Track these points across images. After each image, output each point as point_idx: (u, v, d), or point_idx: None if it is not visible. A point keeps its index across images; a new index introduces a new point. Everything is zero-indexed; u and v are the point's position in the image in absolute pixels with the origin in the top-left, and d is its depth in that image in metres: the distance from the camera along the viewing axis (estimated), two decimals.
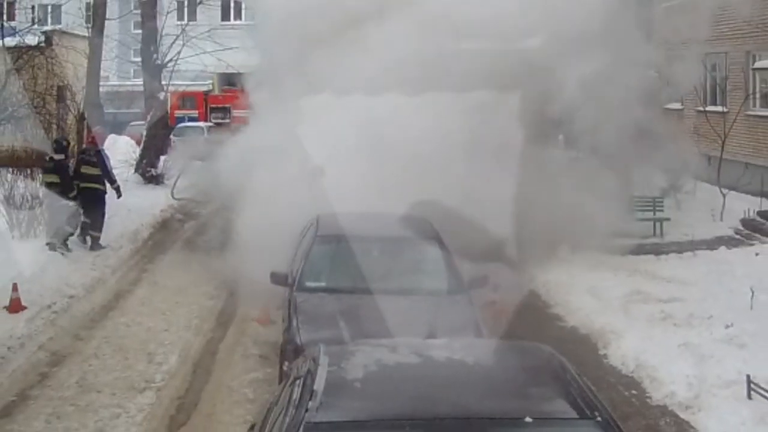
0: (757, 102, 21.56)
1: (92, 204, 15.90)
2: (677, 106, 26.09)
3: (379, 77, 14.16)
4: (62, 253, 14.86)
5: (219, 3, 36.81)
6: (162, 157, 24.80)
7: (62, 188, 15.48)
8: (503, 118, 15.75)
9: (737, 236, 17.49)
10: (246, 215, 13.39)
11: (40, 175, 16.10)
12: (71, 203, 15.48)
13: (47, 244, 14.90)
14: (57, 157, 15.80)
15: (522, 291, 13.31)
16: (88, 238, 15.86)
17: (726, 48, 22.81)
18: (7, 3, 26.37)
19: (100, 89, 23.80)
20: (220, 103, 36.29)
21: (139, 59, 35.28)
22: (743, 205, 18.90)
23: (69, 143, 16.38)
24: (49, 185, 15.66)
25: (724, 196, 19.08)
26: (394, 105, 14.40)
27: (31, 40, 22.01)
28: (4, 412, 8.83)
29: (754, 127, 21.34)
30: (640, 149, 23.54)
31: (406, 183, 12.90)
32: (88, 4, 27.57)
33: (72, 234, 15.66)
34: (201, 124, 33.94)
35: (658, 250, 16.17)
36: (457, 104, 14.94)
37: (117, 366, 10.23)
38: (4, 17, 23.60)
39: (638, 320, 11.33)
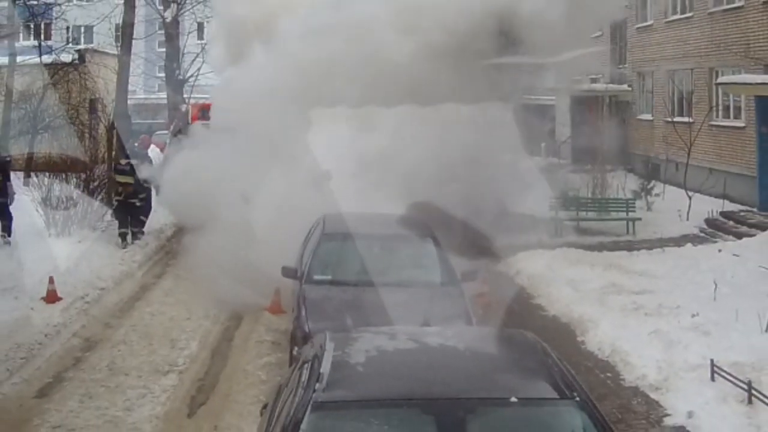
0: (720, 113, 21.60)
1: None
2: (648, 117, 26.14)
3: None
4: (125, 246, 15.50)
5: None
6: None
7: (135, 188, 16.10)
8: (489, 129, 15.79)
9: (702, 234, 17.52)
10: (258, 217, 13.37)
11: (114, 175, 16.78)
12: (139, 203, 16.18)
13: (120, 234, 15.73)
14: (133, 162, 16.47)
15: (508, 284, 13.33)
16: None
17: (691, 65, 22.86)
18: (45, 24, 26.37)
19: (128, 102, 23.74)
20: None
21: (163, 75, 35.37)
22: (707, 207, 18.93)
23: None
24: (124, 185, 16.16)
25: (690, 198, 19.11)
26: (395, 117, 14.43)
27: (66, 57, 22.08)
28: (41, 392, 8.82)
29: (716, 136, 21.37)
30: (614, 156, 23.58)
31: (403, 188, 12.93)
32: (117, 25, 27.51)
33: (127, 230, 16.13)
34: None
35: (630, 247, 16.18)
36: (449, 117, 14.97)
37: (143, 351, 10.23)
38: (42, 37, 23.61)
39: (613, 310, 11.32)
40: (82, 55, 24.02)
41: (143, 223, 16.55)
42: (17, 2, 22.17)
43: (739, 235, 16.44)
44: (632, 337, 10.06)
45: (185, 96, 31.25)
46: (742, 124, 20.25)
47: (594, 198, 19.38)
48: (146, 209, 16.84)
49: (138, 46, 31.14)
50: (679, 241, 16.70)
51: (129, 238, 15.82)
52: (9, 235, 14.72)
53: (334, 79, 14.53)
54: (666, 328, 10.15)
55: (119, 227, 15.97)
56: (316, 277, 9.56)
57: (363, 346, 5.32)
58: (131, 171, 16.27)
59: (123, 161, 16.67)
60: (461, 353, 5.36)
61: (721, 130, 21.28)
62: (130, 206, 16.05)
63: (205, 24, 34.51)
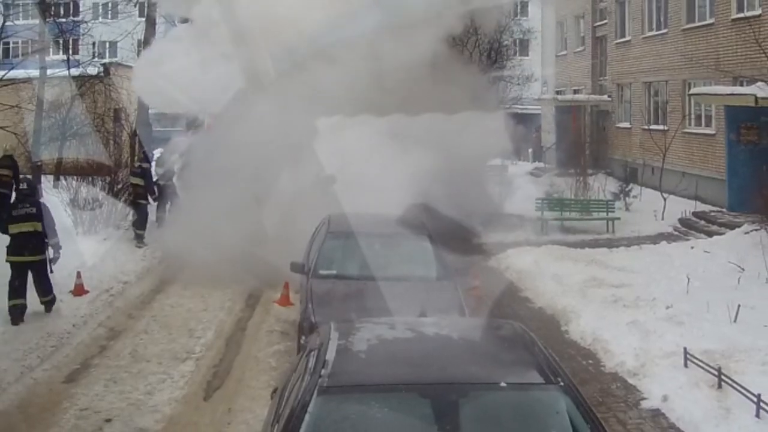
0: (692, 122, 21.61)
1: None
2: (626, 125, 26.15)
3: None
4: (138, 246, 15.34)
5: None
6: None
7: (145, 189, 16.25)
8: (481, 137, 15.81)
9: (676, 233, 17.53)
10: (268, 216, 13.37)
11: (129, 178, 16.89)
12: (149, 204, 16.35)
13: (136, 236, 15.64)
14: (144, 165, 16.84)
15: (498, 278, 13.33)
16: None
17: (666, 77, 22.87)
18: (72, 40, 26.36)
19: (149, 111, 23.74)
20: None
21: None
22: (681, 207, 18.94)
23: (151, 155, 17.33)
24: (135, 186, 16.29)
25: (665, 199, 19.12)
26: (394, 126, 14.45)
27: (92, 70, 22.04)
28: (69, 378, 8.83)
29: (689, 143, 21.38)
30: (595, 160, 23.57)
31: (402, 190, 12.93)
32: (139, 41, 27.53)
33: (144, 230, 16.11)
34: None
35: (610, 244, 16.19)
36: (443, 126, 15.00)
37: (163, 340, 10.23)
38: (70, 51, 23.60)
39: (594, 302, 11.32)
40: (106, 68, 23.98)
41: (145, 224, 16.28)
42: (47, 20, 22.15)
43: (709, 234, 16.44)
44: (612, 326, 10.05)
45: None
46: (713, 132, 20.26)
47: (577, 199, 19.40)
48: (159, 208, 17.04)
49: None
50: (655, 238, 16.72)
51: (141, 237, 15.68)
52: None
53: (340, 94, 14.53)
54: (643, 319, 10.16)
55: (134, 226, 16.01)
56: (322, 271, 9.54)
57: (365, 335, 5.32)
58: (142, 174, 16.41)
59: (135, 164, 17.03)
60: (455, 342, 5.36)
61: (693, 137, 21.29)
62: (138, 206, 16.03)
63: None
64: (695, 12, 21.31)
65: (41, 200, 13.43)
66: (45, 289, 10.74)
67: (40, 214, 10.84)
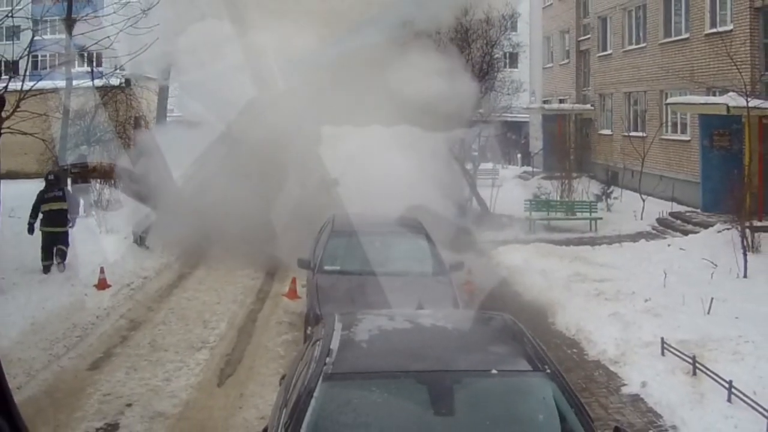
0: (669, 129, 21.61)
1: None
2: (608, 131, 26.15)
3: None
4: (147, 247, 14.91)
5: None
6: None
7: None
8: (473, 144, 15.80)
9: (654, 231, 17.52)
10: (277, 215, 13.37)
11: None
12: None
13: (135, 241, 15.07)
14: None
15: (490, 274, 13.33)
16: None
17: (645, 88, 22.87)
18: (96, 53, 26.36)
19: (167, 119, 23.73)
20: None
21: None
22: (658, 208, 18.95)
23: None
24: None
25: (643, 200, 19.12)
26: (394, 131, 14.45)
27: (114, 81, 22.04)
28: (93, 365, 8.84)
29: (666, 148, 21.38)
30: (579, 164, 23.54)
31: (401, 192, 12.92)
32: None
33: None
34: None
35: (593, 242, 16.20)
36: (439, 134, 15.00)
37: (180, 330, 10.24)
38: (94, 63, 23.61)
39: (578, 295, 11.32)
40: (128, 79, 23.98)
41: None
42: (73, 35, 22.14)
43: (685, 232, 16.44)
44: (594, 318, 10.06)
45: None
46: (688, 138, 20.26)
47: (562, 201, 19.41)
48: None
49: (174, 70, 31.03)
50: (635, 237, 16.72)
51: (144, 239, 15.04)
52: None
53: (347, 106, 14.52)
54: (623, 311, 10.16)
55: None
56: (327, 267, 9.54)
57: (366, 326, 5.31)
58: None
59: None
60: (450, 332, 5.36)
61: (670, 143, 21.29)
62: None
63: None
64: (671, 27, 21.31)
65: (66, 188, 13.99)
66: (62, 254, 12.69)
67: (64, 196, 13.17)
